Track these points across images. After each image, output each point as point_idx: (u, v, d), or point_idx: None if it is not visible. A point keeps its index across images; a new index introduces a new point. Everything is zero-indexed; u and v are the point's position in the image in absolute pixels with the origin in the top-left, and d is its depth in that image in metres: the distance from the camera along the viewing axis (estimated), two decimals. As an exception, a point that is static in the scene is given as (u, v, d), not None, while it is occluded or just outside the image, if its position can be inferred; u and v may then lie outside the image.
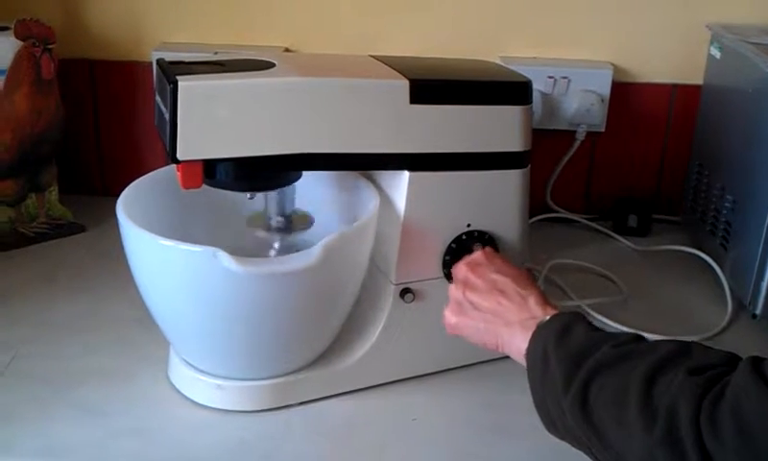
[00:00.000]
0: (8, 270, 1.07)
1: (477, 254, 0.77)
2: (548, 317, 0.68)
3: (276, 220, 0.83)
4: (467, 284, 0.75)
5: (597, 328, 0.65)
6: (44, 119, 1.11)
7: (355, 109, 0.75)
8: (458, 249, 0.82)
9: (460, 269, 0.77)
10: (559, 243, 1.19)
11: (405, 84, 0.76)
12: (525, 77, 0.84)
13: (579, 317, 0.66)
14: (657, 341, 0.61)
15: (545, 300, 0.71)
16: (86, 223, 1.18)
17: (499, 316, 0.71)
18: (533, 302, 0.70)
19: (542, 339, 0.66)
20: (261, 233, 0.84)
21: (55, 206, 1.17)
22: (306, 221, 0.85)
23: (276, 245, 0.84)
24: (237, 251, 0.71)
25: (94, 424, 0.78)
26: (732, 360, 0.57)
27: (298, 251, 0.78)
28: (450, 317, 0.75)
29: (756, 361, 0.53)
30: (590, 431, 0.59)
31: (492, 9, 1.20)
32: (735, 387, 0.51)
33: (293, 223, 0.84)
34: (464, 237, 0.82)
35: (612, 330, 0.97)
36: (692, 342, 0.60)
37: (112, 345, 0.91)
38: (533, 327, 0.67)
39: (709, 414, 0.51)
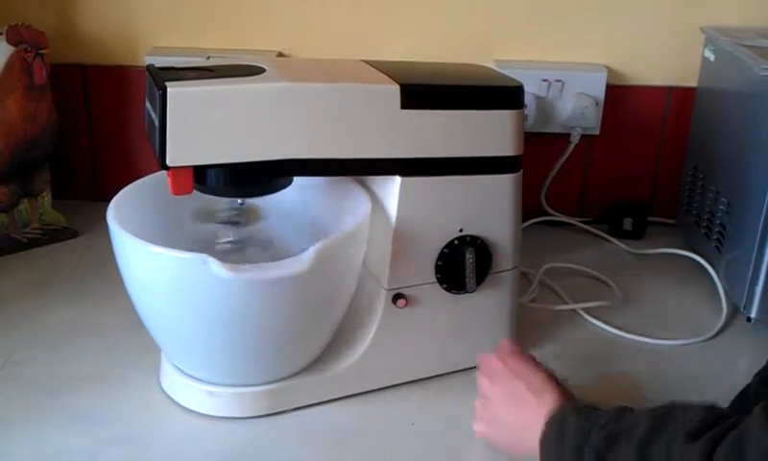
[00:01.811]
0: (1, 276, 1.06)
1: (494, 362, 0.77)
2: (545, 423, 0.68)
3: (228, 213, 0.83)
4: (487, 398, 0.76)
5: (586, 412, 0.66)
6: (37, 124, 1.11)
7: (346, 114, 0.75)
8: (450, 254, 0.82)
9: (481, 382, 0.77)
10: (554, 246, 1.18)
11: (396, 89, 0.76)
12: (517, 81, 0.83)
13: (568, 408, 0.67)
14: (635, 413, 0.63)
15: (560, 396, 0.71)
16: (80, 228, 1.18)
17: (522, 427, 0.71)
18: (547, 410, 0.70)
19: (548, 449, 0.67)
20: (211, 227, 0.83)
21: (48, 212, 1.17)
22: (256, 214, 0.84)
23: (230, 238, 0.84)
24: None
25: (86, 430, 0.78)
26: (715, 412, 0.58)
27: (248, 242, 0.80)
28: (479, 428, 0.76)
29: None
30: None
31: (487, 12, 1.19)
32: (753, 436, 0.52)
33: (243, 215, 0.83)
34: (456, 242, 0.82)
35: (608, 337, 0.97)
36: (667, 405, 0.61)
37: (105, 351, 0.91)
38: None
39: None
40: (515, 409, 0.72)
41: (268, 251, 0.86)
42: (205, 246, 0.83)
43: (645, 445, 0.58)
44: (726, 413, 0.59)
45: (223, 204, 0.83)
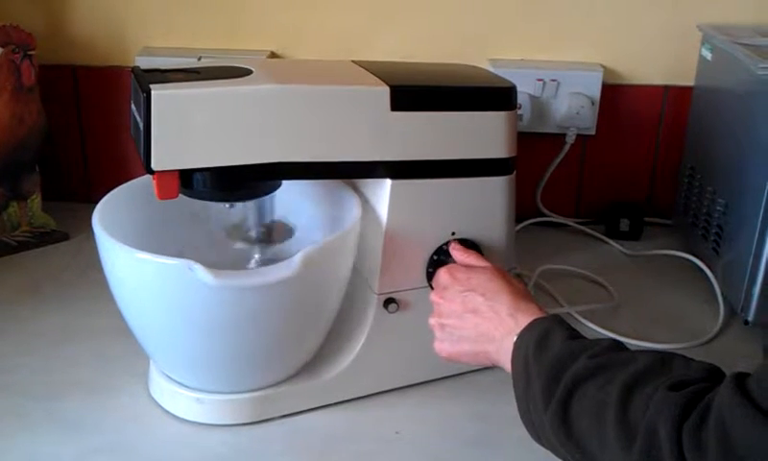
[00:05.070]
0: (-11, 280, 1.05)
1: (442, 276, 0.77)
2: (526, 325, 0.67)
3: (256, 231, 0.82)
4: (441, 315, 0.75)
5: (575, 334, 0.65)
6: (26, 126, 1.09)
7: (335, 116, 0.74)
8: (442, 258, 0.81)
9: (433, 300, 0.77)
10: (549, 248, 1.17)
11: (386, 90, 0.74)
12: (510, 82, 0.82)
13: (556, 322, 0.66)
14: (635, 352, 0.60)
15: (515, 304, 0.70)
16: (70, 230, 1.17)
17: (482, 336, 0.71)
18: (505, 313, 0.70)
19: (523, 350, 0.65)
20: (240, 245, 0.82)
21: (37, 214, 1.15)
22: (286, 231, 0.83)
23: (257, 256, 0.83)
24: (218, 263, 0.70)
25: (74, 438, 0.77)
26: (713, 374, 0.56)
27: (277, 261, 0.77)
28: (441, 350, 0.76)
29: (739, 378, 0.51)
30: (572, 446, 0.58)
31: (481, 11, 1.18)
32: (720, 408, 0.50)
33: (273, 233, 0.82)
34: (447, 246, 0.81)
35: (599, 337, 0.95)
36: (672, 353, 0.59)
37: (94, 357, 0.89)
38: (512, 341, 0.67)
39: (693, 436, 0.50)
40: (472, 322, 0.71)
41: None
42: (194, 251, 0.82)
43: (634, 384, 0.55)
44: (722, 377, 0.56)
45: (251, 222, 0.82)
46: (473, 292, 0.73)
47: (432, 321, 0.76)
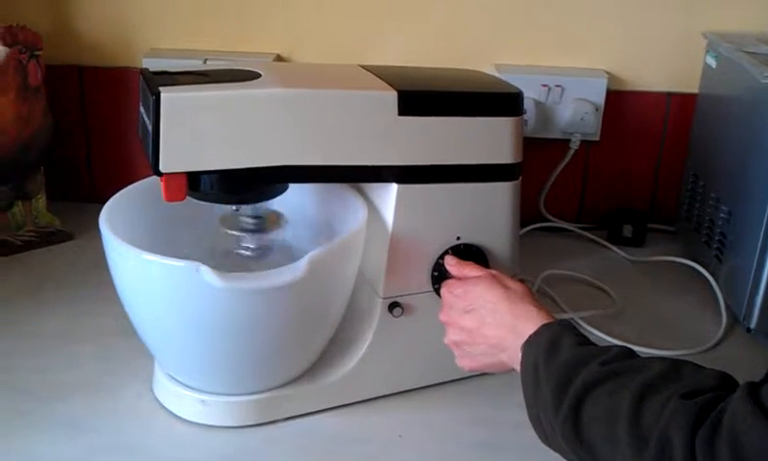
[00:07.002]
0: (-7, 279, 1.05)
1: (443, 296, 0.78)
2: (535, 330, 0.67)
3: (249, 220, 0.82)
4: (453, 336, 0.76)
5: (585, 341, 0.65)
6: (31, 126, 1.10)
7: (342, 120, 0.74)
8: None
9: (442, 321, 0.78)
10: (552, 253, 1.17)
11: (393, 95, 0.75)
12: (516, 87, 0.82)
13: (566, 328, 0.66)
14: (647, 358, 0.60)
15: (514, 311, 0.71)
16: (75, 230, 1.17)
17: (494, 349, 0.72)
18: (509, 321, 0.70)
19: (533, 354, 0.65)
20: (233, 232, 0.82)
21: (42, 214, 1.16)
22: (278, 220, 0.83)
23: (251, 245, 0.83)
24: (224, 265, 0.70)
25: (76, 439, 0.77)
26: (725, 382, 0.56)
27: (270, 249, 0.80)
28: (463, 366, 0.77)
29: (752, 388, 0.51)
30: (583, 451, 0.58)
31: (486, 16, 1.18)
32: (733, 417, 0.50)
33: (265, 222, 0.82)
34: (453, 251, 0.81)
35: (606, 344, 0.96)
36: (684, 361, 0.59)
37: (97, 357, 0.90)
38: (520, 347, 0.67)
39: (706, 445, 0.50)
40: (482, 337, 0.72)
41: (289, 258, 0.84)
42: (207, 253, 0.82)
43: (647, 391, 0.55)
44: (735, 385, 0.56)
45: (246, 210, 0.82)
46: (474, 307, 0.73)
47: (447, 341, 0.77)
